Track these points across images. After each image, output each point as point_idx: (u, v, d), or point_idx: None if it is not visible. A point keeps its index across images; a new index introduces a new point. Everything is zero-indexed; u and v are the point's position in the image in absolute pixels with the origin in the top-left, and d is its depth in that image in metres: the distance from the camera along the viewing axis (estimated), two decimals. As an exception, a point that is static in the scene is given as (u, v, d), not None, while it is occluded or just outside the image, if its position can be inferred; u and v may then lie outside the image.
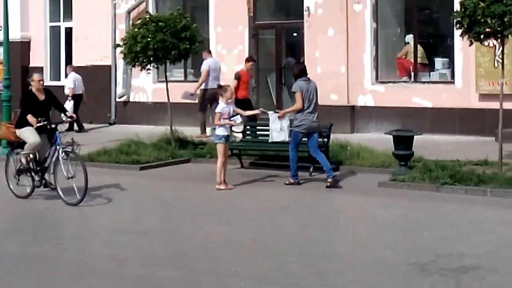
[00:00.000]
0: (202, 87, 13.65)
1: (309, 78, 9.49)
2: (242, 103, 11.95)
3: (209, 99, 13.44)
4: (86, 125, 16.02)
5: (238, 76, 13.07)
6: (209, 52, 14.27)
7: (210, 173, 10.63)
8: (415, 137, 9.77)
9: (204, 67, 13.77)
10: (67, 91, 15.57)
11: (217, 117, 9.23)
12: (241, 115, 9.65)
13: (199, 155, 11.71)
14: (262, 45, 15.36)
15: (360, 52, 14.04)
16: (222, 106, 9.27)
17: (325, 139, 10.46)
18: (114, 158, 11.45)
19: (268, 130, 11.44)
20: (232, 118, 9.34)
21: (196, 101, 13.70)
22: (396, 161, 9.79)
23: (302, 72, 9.37)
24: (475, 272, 5.73)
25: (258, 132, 11.45)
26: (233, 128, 10.31)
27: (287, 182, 9.46)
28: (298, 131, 9.37)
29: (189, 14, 13.96)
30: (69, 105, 14.89)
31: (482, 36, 9.17)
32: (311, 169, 10.20)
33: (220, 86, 9.92)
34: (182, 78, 16.04)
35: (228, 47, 15.30)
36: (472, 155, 10.21)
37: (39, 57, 17.85)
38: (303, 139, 9.44)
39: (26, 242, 6.90)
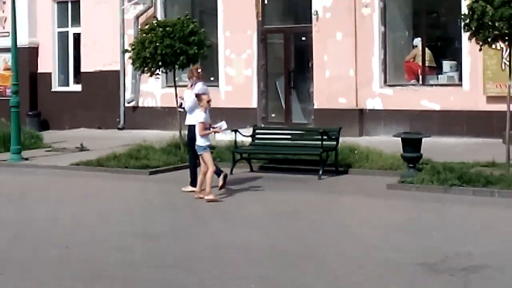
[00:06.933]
0: None
1: None
2: None
3: None
4: (94, 131, 16.22)
5: None
6: None
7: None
8: (423, 139, 9.87)
9: None
10: None
11: (201, 127, 8.89)
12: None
13: (208, 159, 11.88)
14: (270, 49, 15.48)
15: (368, 56, 14.15)
16: (203, 115, 8.89)
17: (334, 142, 10.61)
18: (123, 163, 11.60)
19: (277, 134, 11.64)
20: (217, 125, 9.09)
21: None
22: (404, 163, 9.91)
23: None
24: (484, 271, 5.84)
25: (267, 136, 11.61)
26: (217, 135, 10.10)
27: None
28: None
29: (197, 18, 14.13)
30: None
31: (490, 39, 9.27)
32: (321, 172, 10.33)
33: (196, 95, 9.17)
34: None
35: (237, 51, 15.43)
36: (480, 157, 10.30)
37: (47, 63, 17.99)
38: None
39: (35, 247, 7.02)
